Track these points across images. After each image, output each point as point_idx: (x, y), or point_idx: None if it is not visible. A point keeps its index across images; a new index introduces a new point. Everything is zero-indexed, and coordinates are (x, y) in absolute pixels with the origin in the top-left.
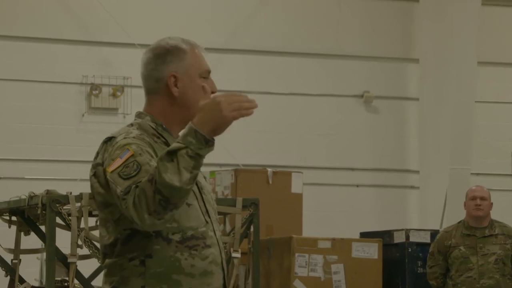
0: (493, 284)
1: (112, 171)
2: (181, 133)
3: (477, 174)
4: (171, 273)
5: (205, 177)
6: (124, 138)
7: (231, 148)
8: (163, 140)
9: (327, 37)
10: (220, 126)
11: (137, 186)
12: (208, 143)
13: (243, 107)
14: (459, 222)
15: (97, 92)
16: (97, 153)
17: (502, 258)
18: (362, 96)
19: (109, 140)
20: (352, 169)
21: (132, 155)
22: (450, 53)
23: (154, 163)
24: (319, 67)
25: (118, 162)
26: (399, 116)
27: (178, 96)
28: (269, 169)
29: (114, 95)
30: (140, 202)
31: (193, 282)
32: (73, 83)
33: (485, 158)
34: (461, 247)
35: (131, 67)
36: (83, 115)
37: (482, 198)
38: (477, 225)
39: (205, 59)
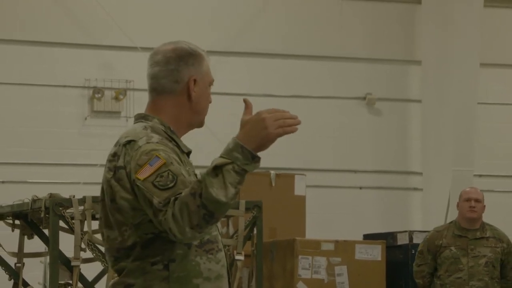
0: (482, 286)
1: (144, 179)
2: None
3: (480, 175)
4: (192, 277)
5: None
6: (147, 142)
7: None
8: (175, 143)
9: (329, 39)
10: (265, 143)
11: (176, 198)
12: (255, 159)
13: (287, 124)
14: (450, 223)
15: (99, 95)
16: (114, 155)
17: (493, 261)
18: (364, 98)
19: (128, 143)
20: (355, 171)
21: (164, 164)
22: (452, 55)
23: (185, 172)
24: (322, 70)
25: (149, 169)
26: (401, 118)
27: (194, 100)
28: (272, 172)
29: (116, 99)
30: (182, 215)
31: (209, 285)
32: (76, 87)
33: (487, 160)
34: (452, 248)
35: (133, 70)
36: (85, 119)
37: (477, 200)
38: (469, 226)
39: None
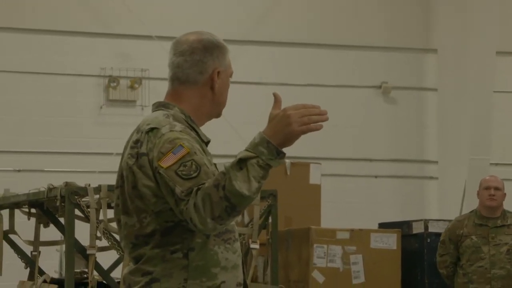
0: (504, 274)
1: (167, 167)
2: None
3: (496, 164)
4: (210, 266)
5: None
6: (171, 131)
7: (249, 140)
8: (195, 133)
9: (344, 28)
10: (289, 139)
11: (198, 189)
12: (280, 155)
13: (312, 121)
14: (471, 212)
15: (115, 84)
16: (137, 142)
17: None
18: (380, 87)
19: (151, 130)
20: (371, 160)
21: (188, 153)
22: (469, 43)
23: (207, 162)
24: (337, 58)
25: (172, 158)
26: (417, 107)
27: (216, 91)
28: (287, 160)
29: (132, 87)
30: (204, 206)
31: (226, 275)
32: (91, 76)
33: (504, 148)
34: (473, 237)
35: (149, 59)
36: (101, 108)
37: (496, 188)
38: (489, 215)
39: None
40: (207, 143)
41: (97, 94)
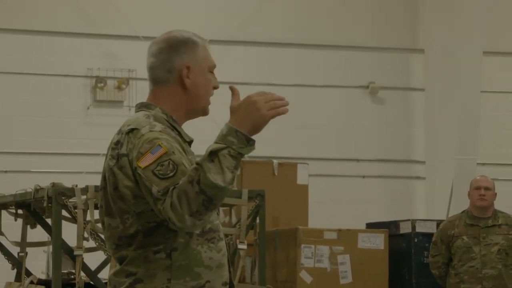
0: (496, 274)
1: (145, 167)
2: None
3: (483, 164)
4: (193, 265)
5: None
6: (150, 131)
7: None
8: (177, 132)
9: (332, 28)
10: (259, 124)
11: (174, 188)
12: (250, 142)
13: (277, 105)
14: (462, 212)
15: (102, 85)
16: (117, 143)
17: (505, 249)
18: (367, 87)
19: (131, 131)
20: (358, 160)
21: (166, 153)
22: (456, 43)
23: (186, 161)
24: (325, 58)
25: (150, 158)
26: (405, 107)
27: (189, 87)
28: (275, 161)
29: (119, 88)
30: (181, 203)
31: (210, 274)
32: (78, 76)
33: (491, 148)
34: (464, 237)
35: (136, 59)
36: (88, 108)
37: (487, 188)
38: (480, 215)
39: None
40: (190, 142)
41: (84, 94)
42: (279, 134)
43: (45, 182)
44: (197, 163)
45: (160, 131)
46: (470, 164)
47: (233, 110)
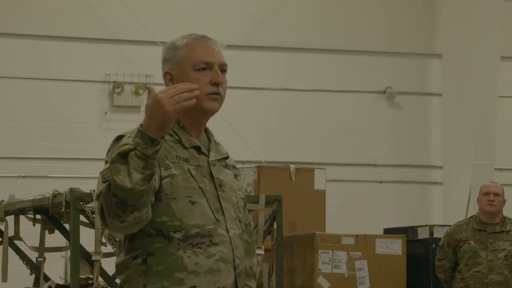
0: (501, 279)
1: (101, 172)
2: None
3: (501, 169)
4: (173, 271)
5: (237, 175)
6: (129, 137)
7: (254, 145)
8: (177, 138)
9: (349, 33)
10: (164, 122)
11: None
12: (154, 142)
13: (183, 98)
14: (471, 217)
15: (119, 90)
16: (108, 150)
17: None
18: (384, 92)
19: (119, 138)
20: (375, 165)
21: None
22: (473, 48)
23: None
24: (342, 63)
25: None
26: (422, 112)
27: None
28: (292, 166)
29: (136, 93)
30: (103, 206)
31: (197, 279)
32: (96, 82)
33: (509, 153)
34: (471, 242)
35: (153, 65)
36: (105, 113)
37: (496, 194)
38: (488, 220)
39: (211, 50)
40: (194, 147)
41: (102, 100)
42: (296, 140)
43: (63, 187)
44: (109, 165)
45: None
46: (488, 169)
47: (145, 110)
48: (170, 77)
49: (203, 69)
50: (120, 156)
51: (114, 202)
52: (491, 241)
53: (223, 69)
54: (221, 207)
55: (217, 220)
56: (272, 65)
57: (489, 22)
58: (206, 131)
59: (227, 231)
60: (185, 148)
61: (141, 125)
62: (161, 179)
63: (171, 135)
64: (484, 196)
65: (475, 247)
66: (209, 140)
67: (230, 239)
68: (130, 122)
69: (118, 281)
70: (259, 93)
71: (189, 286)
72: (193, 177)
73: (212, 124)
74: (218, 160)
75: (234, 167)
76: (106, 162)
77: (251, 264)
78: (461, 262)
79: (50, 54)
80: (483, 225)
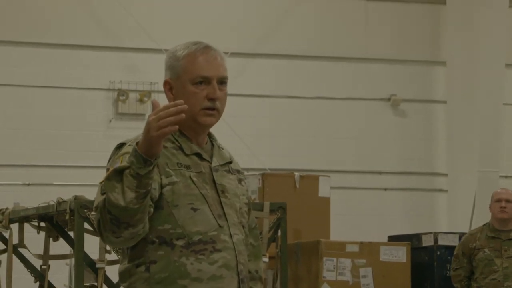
0: None
1: (100, 182)
2: None
3: (506, 176)
4: (176, 278)
5: (241, 179)
6: (129, 145)
7: (258, 153)
8: (178, 145)
9: (354, 41)
10: (151, 145)
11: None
12: (147, 163)
13: (167, 123)
14: (484, 225)
15: (124, 97)
16: (109, 158)
17: None
18: (389, 99)
19: (120, 146)
20: (380, 173)
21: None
22: (478, 55)
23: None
24: (346, 71)
25: (108, 172)
26: (426, 119)
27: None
28: (296, 173)
29: (141, 101)
30: (100, 220)
31: (201, 286)
32: (100, 89)
33: None
34: (486, 250)
35: (157, 72)
36: (110, 121)
37: (507, 201)
38: (502, 227)
39: (211, 64)
40: (196, 154)
41: (106, 107)
42: (300, 147)
43: (67, 195)
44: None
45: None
46: (492, 176)
47: None
48: (169, 87)
49: (200, 83)
50: (116, 173)
51: (109, 218)
52: (506, 248)
53: (222, 81)
54: (224, 213)
55: (220, 226)
56: (276, 72)
57: (494, 29)
58: (210, 135)
59: (231, 236)
60: (186, 155)
61: (137, 143)
62: (161, 187)
63: (173, 142)
64: (496, 203)
65: (490, 255)
66: (212, 145)
67: (233, 245)
68: (135, 130)
69: None
70: (264, 101)
71: None
72: (194, 183)
73: (217, 131)
74: (221, 165)
75: (238, 171)
76: (107, 170)
77: (257, 268)
78: (477, 271)
79: (54, 62)
80: (496, 232)
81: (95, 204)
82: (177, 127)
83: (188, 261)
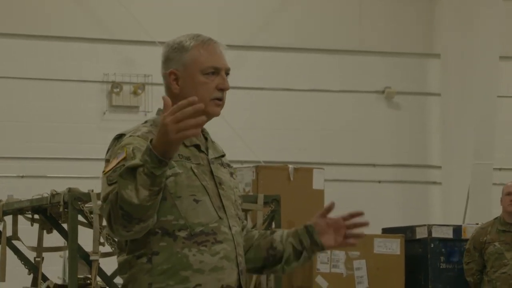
0: None
1: (105, 173)
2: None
3: (500, 169)
4: (178, 269)
5: (232, 173)
6: (130, 136)
7: (252, 145)
8: None
9: (348, 33)
10: (170, 148)
11: (110, 196)
12: (162, 163)
13: (188, 125)
14: (495, 219)
15: (118, 90)
16: (108, 150)
17: None
18: (383, 92)
19: (119, 137)
20: (374, 165)
21: (124, 158)
22: (472, 47)
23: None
24: (341, 63)
25: (113, 163)
26: (420, 112)
27: (178, 93)
28: (291, 166)
29: (135, 93)
30: (110, 212)
31: (202, 278)
32: (94, 82)
33: (508, 153)
34: (496, 243)
35: (151, 65)
36: (104, 113)
37: None
38: None
39: (218, 55)
40: (195, 146)
41: (100, 100)
42: (294, 139)
43: (61, 187)
44: (118, 176)
45: (138, 136)
46: (486, 169)
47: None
48: (175, 77)
49: (212, 73)
50: (128, 171)
51: (121, 214)
52: None
53: (227, 73)
54: (223, 205)
55: (220, 218)
56: (271, 65)
57: (488, 21)
58: (202, 129)
59: (230, 228)
60: (186, 146)
61: (151, 140)
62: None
63: None
64: (506, 197)
65: (500, 248)
66: (206, 138)
67: (232, 236)
68: (129, 122)
69: (119, 280)
70: (258, 93)
71: (194, 284)
72: (195, 175)
73: (211, 123)
74: (216, 158)
75: (229, 165)
76: (107, 160)
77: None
78: (488, 264)
79: (48, 54)
80: (507, 225)
81: (102, 195)
82: (199, 130)
83: (190, 253)
